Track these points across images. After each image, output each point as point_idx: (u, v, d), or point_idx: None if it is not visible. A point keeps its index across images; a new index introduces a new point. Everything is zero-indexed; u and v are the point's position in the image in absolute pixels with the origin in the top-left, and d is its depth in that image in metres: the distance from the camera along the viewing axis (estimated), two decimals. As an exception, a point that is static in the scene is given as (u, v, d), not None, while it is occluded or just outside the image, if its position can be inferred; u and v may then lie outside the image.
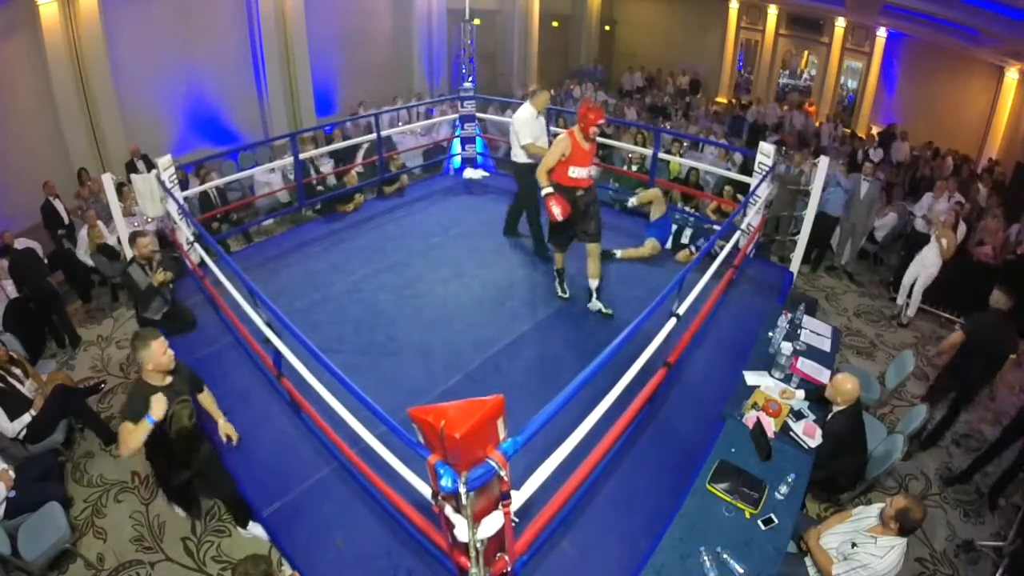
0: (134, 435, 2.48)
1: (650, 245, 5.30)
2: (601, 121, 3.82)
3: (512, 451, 1.81)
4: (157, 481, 3.36)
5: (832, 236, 6.47)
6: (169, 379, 2.66)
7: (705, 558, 2.41)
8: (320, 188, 6.49)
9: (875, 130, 10.69)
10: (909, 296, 5.67)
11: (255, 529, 3.15)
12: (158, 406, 2.51)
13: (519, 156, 4.78)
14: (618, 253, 5.15)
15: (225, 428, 3.01)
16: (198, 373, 3.01)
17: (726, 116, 11.41)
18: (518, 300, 4.61)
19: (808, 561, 2.70)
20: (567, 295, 4.56)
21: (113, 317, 5.44)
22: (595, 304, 4.37)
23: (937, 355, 4.26)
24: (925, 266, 5.46)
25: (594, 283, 4.34)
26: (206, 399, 3.01)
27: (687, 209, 6.40)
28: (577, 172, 3.94)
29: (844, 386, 3.03)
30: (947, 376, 4.12)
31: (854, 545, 2.51)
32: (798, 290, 5.51)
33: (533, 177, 4.14)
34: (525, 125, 4.62)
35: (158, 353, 2.57)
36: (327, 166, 7.15)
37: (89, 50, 6.85)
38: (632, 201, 5.62)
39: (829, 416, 3.15)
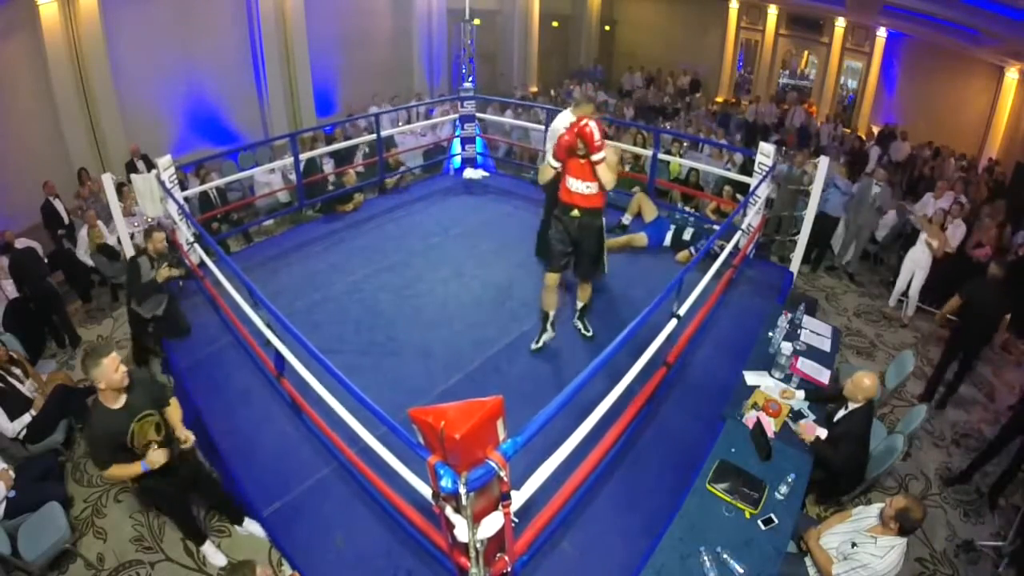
0: (122, 473, 2.52)
1: (635, 236, 5.33)
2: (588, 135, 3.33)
3: (512, 452, 1.82)
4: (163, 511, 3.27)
5: (832, 236, 6.48)
6: (124, 398, 2.52)
7: (705, 558, 2.41)
8: (331, 188, 6.46)
9: (875, 130, 10.70)
10: (903, 295, 5.72)
11: (251, 526, 3.16)
12: (155, 458, 2.52)
13: (554, 163, 4.63)
14: None
15: (184, 435, 2.79)
16: (161, 387, 2.87)
17: (719, 115, 11.43)
18: (518, 300, 4.60)
19: (808, 561, 2.70)
20: (554, 334, 4.07)
21: (113, 317, 5.44)
22: (576, 323, 4.15)
23: (940, 321, 4.72)
24: (919, 266, 5.51)
25: (580, 303, 4.11)
26: (171, 411, 2.80)
27: (687, 209, 6.40)
28: (572, 184, 3.53)
29: (863, 383, 3.01)
30: (948, 350, 4.55)
31: (854, 545, 2.51)
32: (798, 290, 5.51)
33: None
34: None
35: (109, 370, 2.40)
36: (327, 166, 7.16)
37: (89, 50, 6.85)
38: (625, 219, 5.72)
39: (842, 414, 3.12)
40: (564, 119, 4.45)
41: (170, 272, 4.06)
